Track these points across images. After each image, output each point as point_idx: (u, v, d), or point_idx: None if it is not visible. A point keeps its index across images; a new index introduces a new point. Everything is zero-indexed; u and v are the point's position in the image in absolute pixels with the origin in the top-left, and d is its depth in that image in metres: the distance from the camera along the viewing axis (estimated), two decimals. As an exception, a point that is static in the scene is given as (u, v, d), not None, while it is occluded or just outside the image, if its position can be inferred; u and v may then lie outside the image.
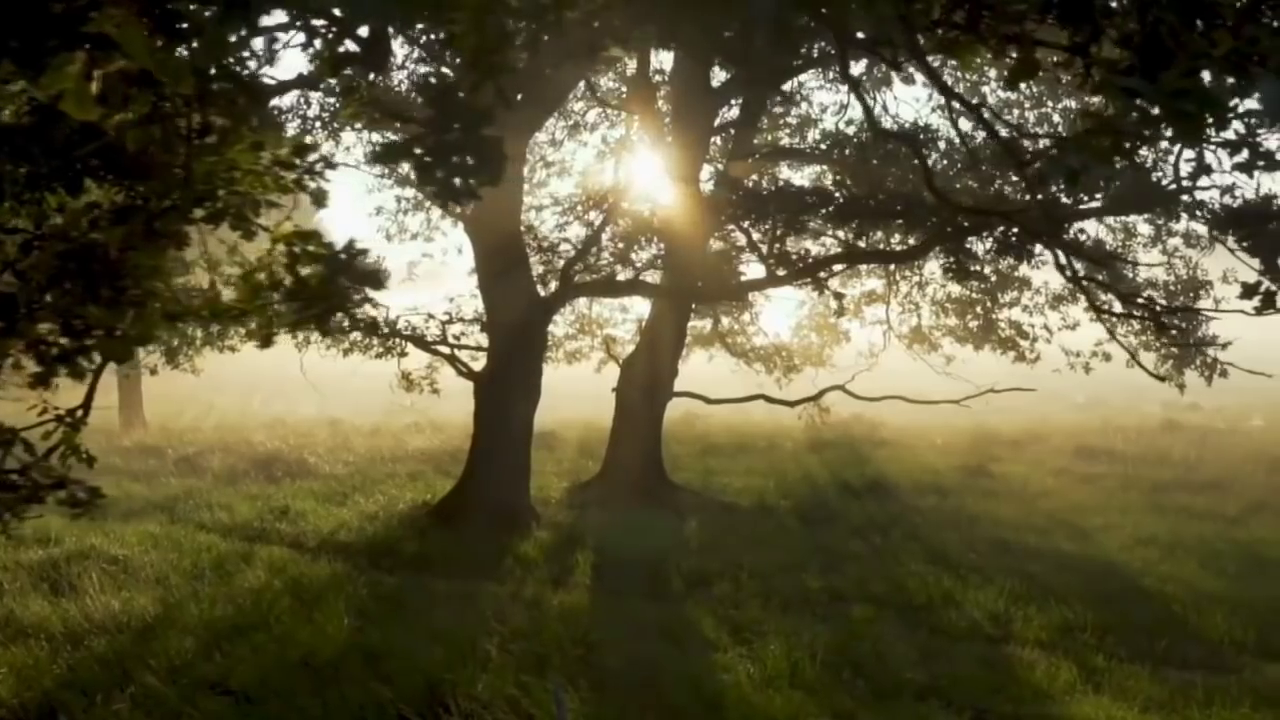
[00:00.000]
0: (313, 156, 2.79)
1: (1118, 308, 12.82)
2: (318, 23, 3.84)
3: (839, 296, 12.67)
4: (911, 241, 13.10)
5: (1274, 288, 3.92)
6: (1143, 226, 15.62)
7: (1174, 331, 12.75)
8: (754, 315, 20.42)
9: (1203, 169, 4.23)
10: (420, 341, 13.47)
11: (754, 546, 11.67)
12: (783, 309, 26.12)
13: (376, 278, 2.59)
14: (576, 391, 24.06)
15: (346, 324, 12.54)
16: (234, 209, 2.83)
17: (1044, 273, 16.46)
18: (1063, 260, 11.56)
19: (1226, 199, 10.32)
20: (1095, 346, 15.98)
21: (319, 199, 2.83)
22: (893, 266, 17.44)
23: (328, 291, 2.55)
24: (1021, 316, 17.39)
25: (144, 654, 7.23)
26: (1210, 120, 2.07)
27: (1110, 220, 15.64)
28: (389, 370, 15.78)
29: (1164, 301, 13.43)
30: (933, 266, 15.24)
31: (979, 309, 17.92)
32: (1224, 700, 6.81)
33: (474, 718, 6.20)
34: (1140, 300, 12.65)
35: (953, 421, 21.42)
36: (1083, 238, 13.27)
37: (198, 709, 6.45)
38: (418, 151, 2.08)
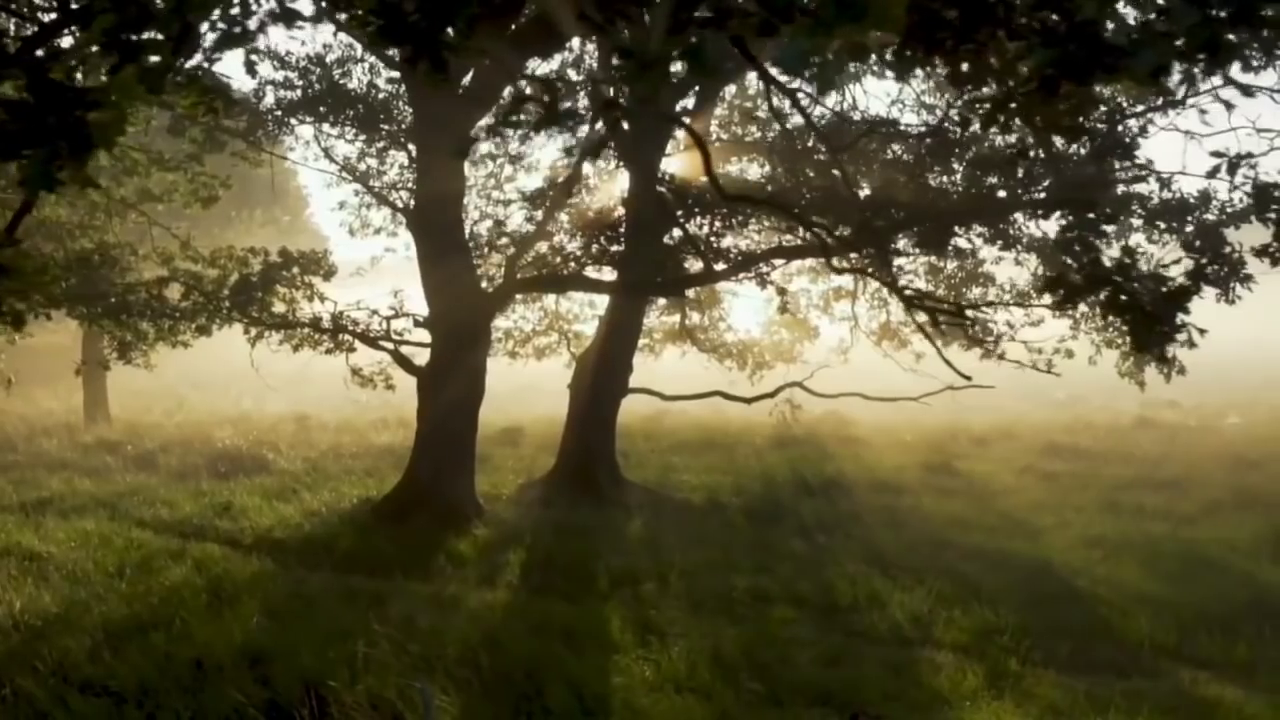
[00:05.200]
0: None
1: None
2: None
3: (782, 292, 12.49)
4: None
5: (1078, 281, 3.74)
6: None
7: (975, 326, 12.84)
8: (723, 312, 20.30)
9: (1023, 154, 4.07)
10: (364, 337, 13.33)
11: (692, 545, 11.50)
12: (751, 305, 25.88)
13: (33, 276, 2.47)
14: (554, 388, 23.91)
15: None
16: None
17: (1006, 269, 16.31)
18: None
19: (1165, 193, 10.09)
20: (1058, 343, 15.75)
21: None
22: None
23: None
24: (986, 312, 17.11)
25: (30, 654, 7.12)
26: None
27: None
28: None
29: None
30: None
31: (945, 304, 17.66)
32: (1121, 707, 6.65)
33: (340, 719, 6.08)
34: (911, 294, 12.49)
35: (924, 419, 21.19)
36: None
37: (69, 710, 6.34)
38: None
